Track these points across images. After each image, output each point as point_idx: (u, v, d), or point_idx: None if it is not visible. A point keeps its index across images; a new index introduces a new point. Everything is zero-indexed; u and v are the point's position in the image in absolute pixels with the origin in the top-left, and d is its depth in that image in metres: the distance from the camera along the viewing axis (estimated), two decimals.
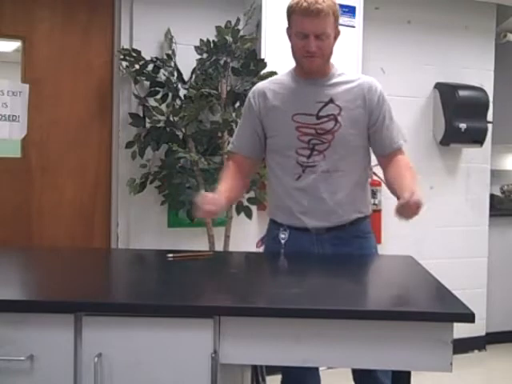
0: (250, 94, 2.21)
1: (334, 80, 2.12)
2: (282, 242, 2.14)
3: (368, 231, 2.18)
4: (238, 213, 3.14)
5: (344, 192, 2.10)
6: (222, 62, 3.13)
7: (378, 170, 2.25)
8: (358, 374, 2.10)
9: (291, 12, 2.04)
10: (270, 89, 2.16)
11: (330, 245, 2.10)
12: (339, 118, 2.07)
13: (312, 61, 2.05)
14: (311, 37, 2.00)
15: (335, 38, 2.08)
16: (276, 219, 2.20)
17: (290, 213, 2.14)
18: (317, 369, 2.20)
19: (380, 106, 2.11)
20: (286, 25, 2.10)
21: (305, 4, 1.98)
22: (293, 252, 2.12)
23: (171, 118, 3.09)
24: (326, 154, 2.08)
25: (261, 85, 2.22)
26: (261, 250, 2.29)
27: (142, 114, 3.18)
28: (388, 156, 2.14)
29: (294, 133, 2.09)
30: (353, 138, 2.10)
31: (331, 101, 2.08)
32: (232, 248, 3.11)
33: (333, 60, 2.14)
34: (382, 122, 2.11)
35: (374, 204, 3.43)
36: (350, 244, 2.11)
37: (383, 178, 2.20)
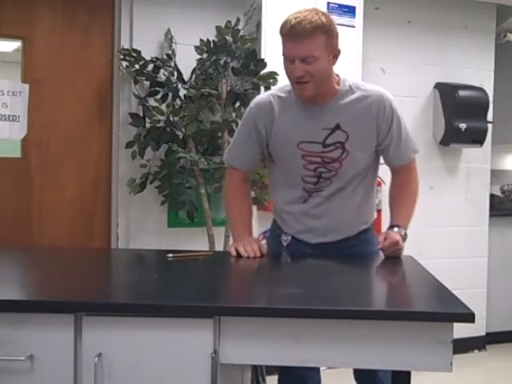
0: (254, 109, 2.08)
1: (341, 101, 1.98)
2: (284, 244, 2.14)
3: (370, 239, 2.13)
4: None
5: (350, 209, 2.08)
6: (222, 62, 3.13)
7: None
8: (359, 373, 2.10)
9: (280, 33, 1.91)
10: (275, 110, 2.03)
11: (331, 252, 2.10)
12: (347, 146, 1.98)
13: (303, 88, 1.91)
14: (296, 61, 1.87)
15: (335, 57, 1.93)
16: (279, 225, 2.19)
17: (293, 228, 2.14)
18: (318, 369, 2.20)
19: (388, 126, 2.00)
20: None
21: (289, 25, 1.86)
22: (293, 252, 2.13)
23: (171, 118, 3.09)
24: (334, 180, 2.04)
25: (265, 102, 2.06)
26: (262, 243, 2.29)
27: (142, 114, 3.18)
28: (396, 168, 2.13)
29: (300, 161, 2.02)
30: (361, 162, 2.04)
31: (338, 127, 1.97)
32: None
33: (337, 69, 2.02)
34: (389, 143, 2.04)
35: None
36: (350, 251, 2.10)
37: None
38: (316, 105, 1.99)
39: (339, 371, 2.06)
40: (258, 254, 2.01)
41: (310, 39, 1.85)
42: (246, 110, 2.14)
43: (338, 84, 2.01)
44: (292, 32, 1.85)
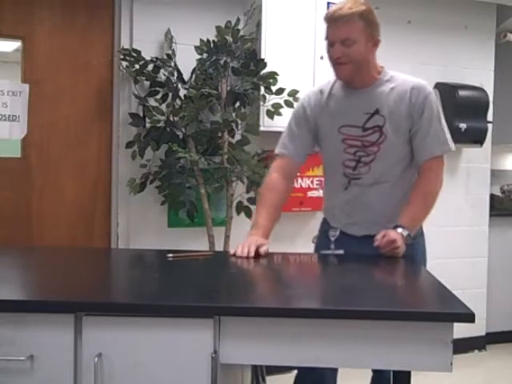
0: (304, 101, 2.19)
1: (381, 88, 2.09)
2: (332, 239, 2.16)
3: (415, 237, 2.08)
4: (238, 213, 3.14)
5: (392, 203, 2.10)
6: (222, 62, 3.13)
7: None
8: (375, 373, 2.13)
9: (324, 21, 2.06)
10: (323, 98, 2.15)
11: (377, 249, 2.03)
12: (384, 130, 2.06)
13: (340, 68, 2.03)
14: (336, 44, 2.00)
15: (374, 45, 2.05)
16: (328, 220, 2.25)
17: (339, 222, 2.18)
18: (336, 368, 2.18)
19: (419, 114, 2.06)
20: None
21: (331, 12, 2.02)
22: (341, 248, 2.13)
23: (171, 118, 3.09)
24: (372, 166, 2.08)
25: (315, 93, 2.19)
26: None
27: (142, 114, 3.18)
28: (420, 163, 2.12)
29: (341, 145, 2.10)
30: (398, 147, 2.08)
31: (377, 111, 2.06)
32: (232, 248, 3.10)
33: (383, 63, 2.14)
34: (417, 132, 2.07)
35: None
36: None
37: None
38: (356, 89, 2.09)
39: (341, 371, 2.06)
40: (251, 255, 1.99)
41: (347, 23, 1.99)
42: (297, 103, 2.27)
43: (380, 74, 2.12)
44: (332, 17, 2.01)
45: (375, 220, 2.10)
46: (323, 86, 2.19)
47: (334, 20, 2.00)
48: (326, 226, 2.24)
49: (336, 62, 2.03)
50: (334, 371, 2.19)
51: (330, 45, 2.03)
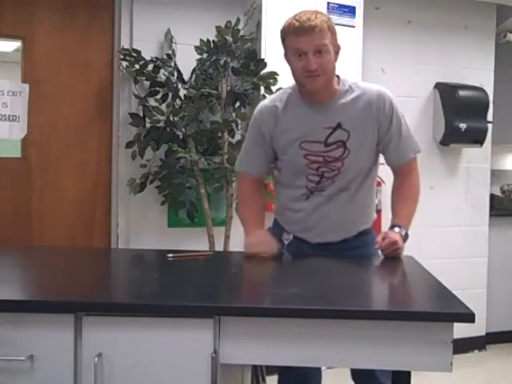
0: (258, 115, 2.13)
1: (341, 100, 2.02)
2: (286, 242, 2.14)
3: (370, 241, 2.09)
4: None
5: (352, 210, 2.10)
6: (222, 62, 3.13)
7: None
8: (357, 373, 2.10)
9: (285, 34, 1.98)
10: (278, 112, 2.07)
11: (331, 253, 2.09)
12: (348, 144, 2.01)
13: (314, 80, 1.95)
14: (309, 54, 1.92)
15: (336, 53, 1.99)
16: (281, 224, 2.21)
17: (295, 227, 2.15)
18: (318, 368, 2.19)
19: (388, 123, 2.04)
20: (283, 51, 2.03)
21: (297, 23, 1.93)
22: (293, 252, 2.13)
23: (171, 118, 3.09)
24: (336, 180, 2.06)
25: (267, 106, 2.11)
26: None
27: (142, 114, 3.18)
28: (396, 167, 2.13)
29: (303, 160, 2.04)
30: (363, 161, 2.06)
31: (339, 126, 2.00)
32: (232, 248, 3.11)
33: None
34: (389, 141, 2.06)
35: None
36: (351, 253, 2.10)
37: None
38: (318, 103, 2.02)
39: (339, 371, 2.06)
40: (275, 251, 2.06)
41: (321, 32, 1.92)
42: (252, 117, 2.18)
43: (338, 84, 2.05)
44: (303, 28, 1.92)
45: (333, 226, 2.09)
46: (277, 100, 2.10)
47: (305, 30, 1.91)
48: (278, 228, 2.19)
49: (312, 74, 1.93)
50: (318, 369, 2.19)
51: (302, 56, 1.94)
